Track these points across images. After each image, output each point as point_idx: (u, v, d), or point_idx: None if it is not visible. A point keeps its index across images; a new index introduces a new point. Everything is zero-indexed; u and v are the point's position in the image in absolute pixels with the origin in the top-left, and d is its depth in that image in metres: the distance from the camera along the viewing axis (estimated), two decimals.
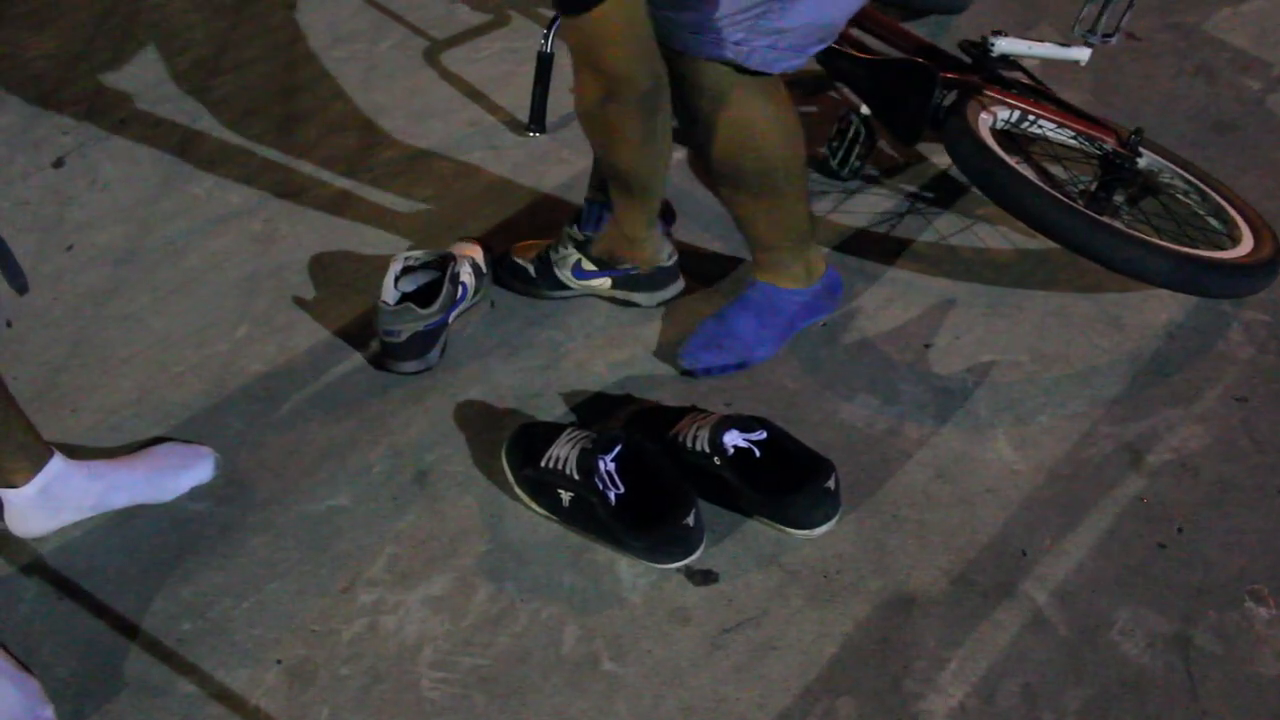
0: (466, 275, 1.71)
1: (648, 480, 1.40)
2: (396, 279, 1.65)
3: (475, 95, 2.26)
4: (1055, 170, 1.92)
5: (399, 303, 1.62)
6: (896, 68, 1.80)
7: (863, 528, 1.43)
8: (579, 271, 1.73)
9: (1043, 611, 1.32)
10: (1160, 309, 1.70)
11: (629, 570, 1.40)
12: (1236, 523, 1.41)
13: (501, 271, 1.80)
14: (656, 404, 1.60)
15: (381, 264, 1.87)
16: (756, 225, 1.57)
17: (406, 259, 1.67)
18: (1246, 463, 1.48)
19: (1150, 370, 1.61)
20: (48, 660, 1.33)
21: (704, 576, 1.39)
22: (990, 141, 1.68)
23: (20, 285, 1.26)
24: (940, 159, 2.03)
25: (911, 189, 1.97)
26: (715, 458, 1.41)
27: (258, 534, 1.47)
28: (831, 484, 1.39)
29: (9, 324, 1.34)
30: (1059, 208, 1.58)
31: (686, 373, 1.63)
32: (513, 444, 1.49)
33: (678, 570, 1.39)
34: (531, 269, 1.77)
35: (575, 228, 1.71)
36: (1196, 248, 1.62)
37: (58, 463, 1.41)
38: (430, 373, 1.66)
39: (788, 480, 1.40)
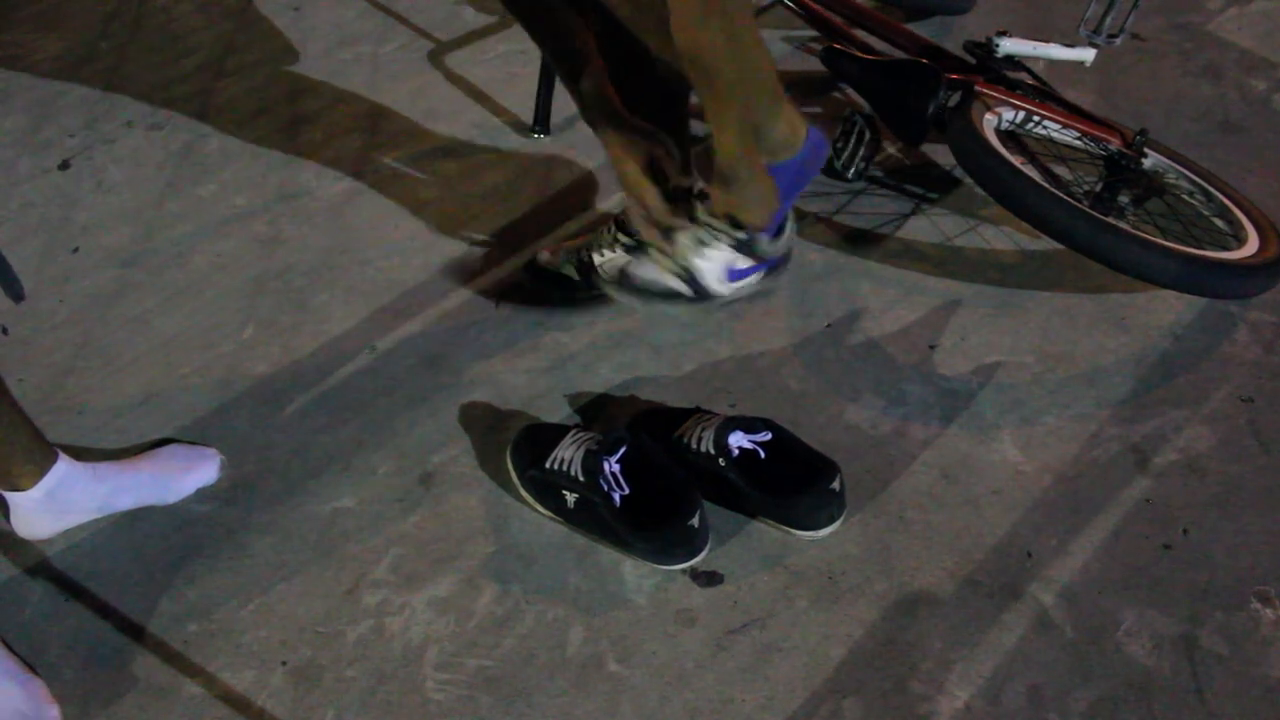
0: None
1: (652, 481, 1.40)
2: None
3: (480, 97, 2.27)
4: (1060, 171, 1.92)
5: None
6: (901, 68, 1.80)
7: (868, 529, 1.42)
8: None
9: (1048, 613, 1.32)
10: (1166, 310, 1.69)
11: (634, 571, 1.40)
12: (1242, 524, 1.41)
13: (534, 281, 1.77)
14: (661, 405, 1.60)
15: (386, 266, 1.87)
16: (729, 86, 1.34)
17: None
18: (1253, 464, 1.48)
19: (1156, 371, 1.60)
20: (54, 662, 1.33)
21: (709, 578, 1.39)
22: (995, 142, 1.68)
23: (16, 294, 1.26)
24: (945, 160, 2.03)
25: (916, 190, 1.96)
26: (720, 459, 1.41)
27: (263, 536, 1.47)
28: (836, 485, 1.39)
29: (5, 331, 1.34)
30: (1063, 208, 1.57)
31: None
32: (517, 445, 1.49)
33: (682, 571, 1.39)
34: (574, 274, 1.74)
35: (621, 232, 1.68)
36: (1202, 248, 1.62)
37: (63, 465, 1.41)
38: (434, 374, 1.67)
39: (793, 481, 1.40)
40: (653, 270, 1.54)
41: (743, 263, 1.51)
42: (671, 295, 1.52)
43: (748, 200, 1.44)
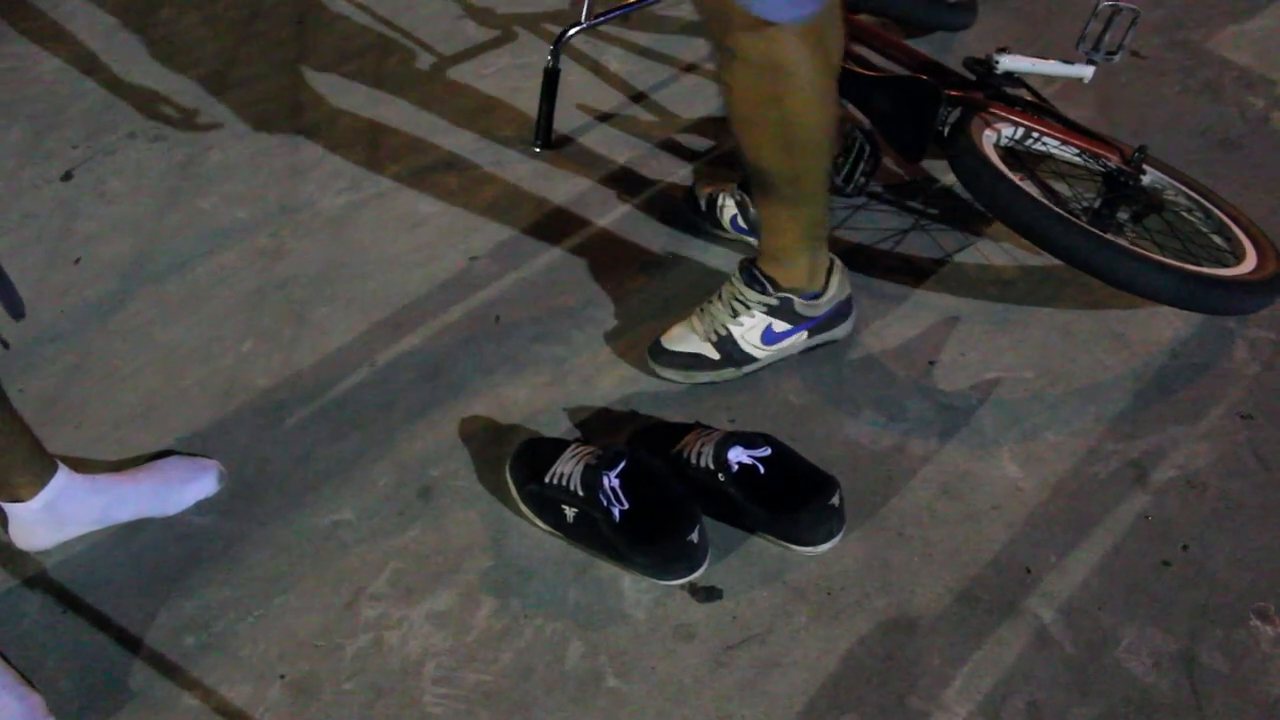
0: None
1: (652, 496, 1.40)
2: None
3: (481, 111, 2.27)
4: (1060, 187, 1.93)
5: None
6: (901, 84, 1.80)
7: (867, 545, 1.42)
8: (735, 224, 1.82)
9: (1048, 629, 1.32)
10: (1165, 326, 1.69)
11: (633, 586, 1.40)
12: (1242, 540, 1.40)
13: (684, 201, 1.93)
14: (661, 420, 1.60)
15: (386, 280, 1.87)
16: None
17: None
18: (1252, 480, 1.48)
19: (1155, 387, 1.60)
20: (51, 674, 1.33)
21: (708, 593, 1.38)
22: (994, 159, 1.68)
23: (17, 313, 1.27)
24: (944, 176, 2.03)
25: (915, 206, 1.97)
26: (719, 474, 1.41)
27: (262, 548, 1.47)
28: (836, 501, 1.39)
29: (6, 345, 1.35)
30: (1063, 225, 1.58)
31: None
32: (517, 459, 1.49)
33: (682, 587, 1.39)
34: (703, 202, 1.88)
35: (738, 188, 1.81)
36: (1200, 265, 1.62)
37: (63, 477, 1.41)
38: (434, 388, 1.67)
39: (792, 497, 1.40)
40: (689, 340, 1.61)
41: (780, 325, 1.58)
42: (707, 363, 1.60)
43: (790, 270, 1.57)
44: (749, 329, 1.59)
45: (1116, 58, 1.82)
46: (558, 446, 1.48)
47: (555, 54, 2.09)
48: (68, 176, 2.18)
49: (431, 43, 2.52)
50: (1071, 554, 1.40)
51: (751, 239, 1.81)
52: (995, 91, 1.87)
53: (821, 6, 1.28)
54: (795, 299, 1.58)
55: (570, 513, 1.41)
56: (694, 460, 1.44)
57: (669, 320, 1.74)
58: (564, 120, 2.20)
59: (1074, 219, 1.60)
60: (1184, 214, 1.83)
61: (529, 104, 2.22)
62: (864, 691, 1.27)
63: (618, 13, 2.25)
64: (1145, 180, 1.80)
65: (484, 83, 2.36)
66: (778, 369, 1.65)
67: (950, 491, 1.48)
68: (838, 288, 1.62)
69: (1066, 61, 1.92)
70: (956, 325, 1.72)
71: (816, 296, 1.60)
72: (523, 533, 1.47)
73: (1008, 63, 1.89)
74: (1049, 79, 2.03)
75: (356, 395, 1.67)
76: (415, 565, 1.44)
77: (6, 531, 1.46)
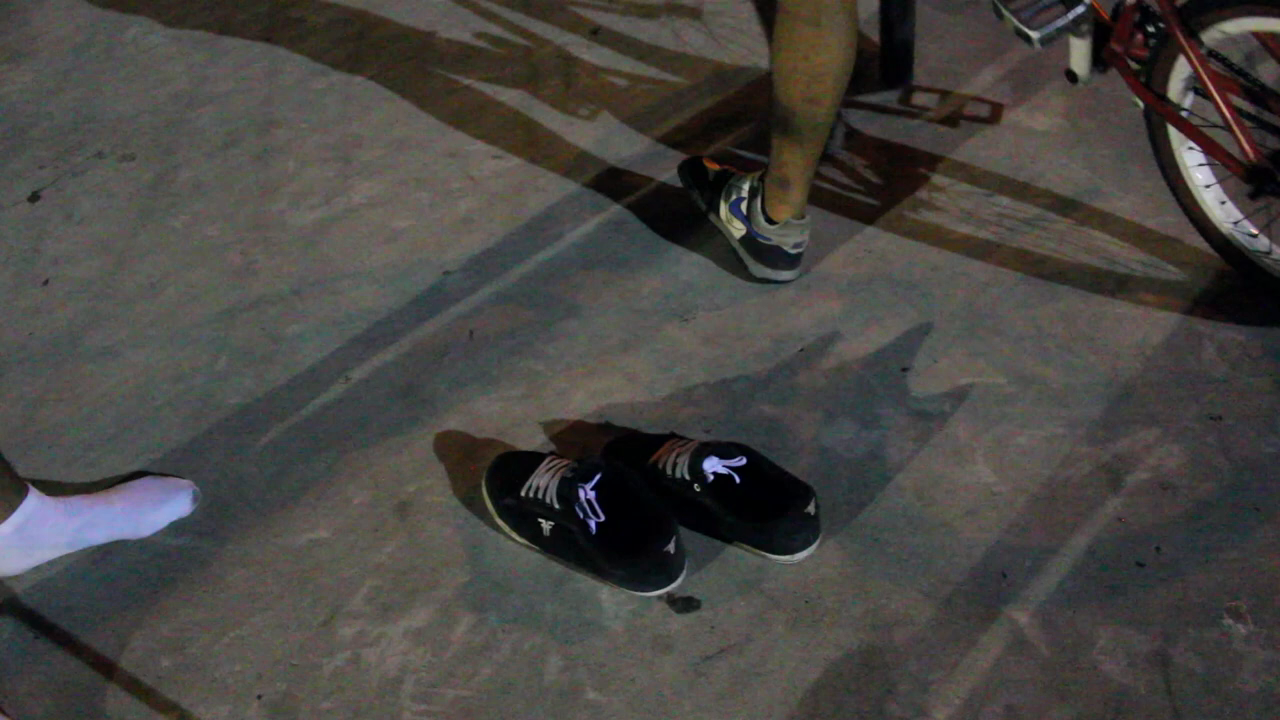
0: None
1: (628, 508, 1.40)
2: None
3: (453, 125, 2.27)
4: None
5: None
6: None
7: (844, 552, 1.43)
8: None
9: (1024, 632, 1.33)
10: (1135, 331, 1.71)
11: (611, 599, 1.39)
12: (1214, 540, 1.42)
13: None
14: (636, 432, 1.60)
15: (359, 296, 1.87)
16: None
17: None
18: (1222, 481, 1.49)
19: (1126, 391, 1.62)
20: (24, 701, 1.32)
21: (685, 604, 1.39)
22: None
23: None
24: (921, 183, 2.04)
25: (887, 213, 1.98)
26: (695, 485, 1.41)
27: (237, 568, 1.46)
28: (812, 509, 1.40)
29: None
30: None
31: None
32: (492, 474, 1.49)
33: (659, 598, 1.39)
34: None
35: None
36: None
37: (34, 501, 1.40)
38: (409, 404, 1.66)
39: (768, 506, 1.40)
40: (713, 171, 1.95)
41: (742, 206, 1.82)
42: (703, 181, 1.93)
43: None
44: (739, 190, 1.83)
45: None
46: (533, 460, 1.48)
47: None
48: (35, 197, 2.17)
49: (402, 59, 2.51)
50: (1046, 557, 1.41)
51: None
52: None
53: None
54: (759, 202, 1.79)
55: (546, 526, 1.41)
56: (669, 471, 1.44)
57: (643, 334, 1.75)
58: (538, 132, 2.21)
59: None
60: None
61: (500, 118, 2.22)
62: (843, 698, 1.28)
63: None
64: None
65: (455, 97, 2.36)
66: (753, 381, 1.66)
67: (925, 498, 1.49)
68: (781, 235, 1.77)
69: None
70: (929, 332, 1.73)
71: (769, 221, 1.78)
72: (499, 547, 1.46)
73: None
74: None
75: (330, 412, 1.67)
76: (392, 582, 1.43)
77: None
